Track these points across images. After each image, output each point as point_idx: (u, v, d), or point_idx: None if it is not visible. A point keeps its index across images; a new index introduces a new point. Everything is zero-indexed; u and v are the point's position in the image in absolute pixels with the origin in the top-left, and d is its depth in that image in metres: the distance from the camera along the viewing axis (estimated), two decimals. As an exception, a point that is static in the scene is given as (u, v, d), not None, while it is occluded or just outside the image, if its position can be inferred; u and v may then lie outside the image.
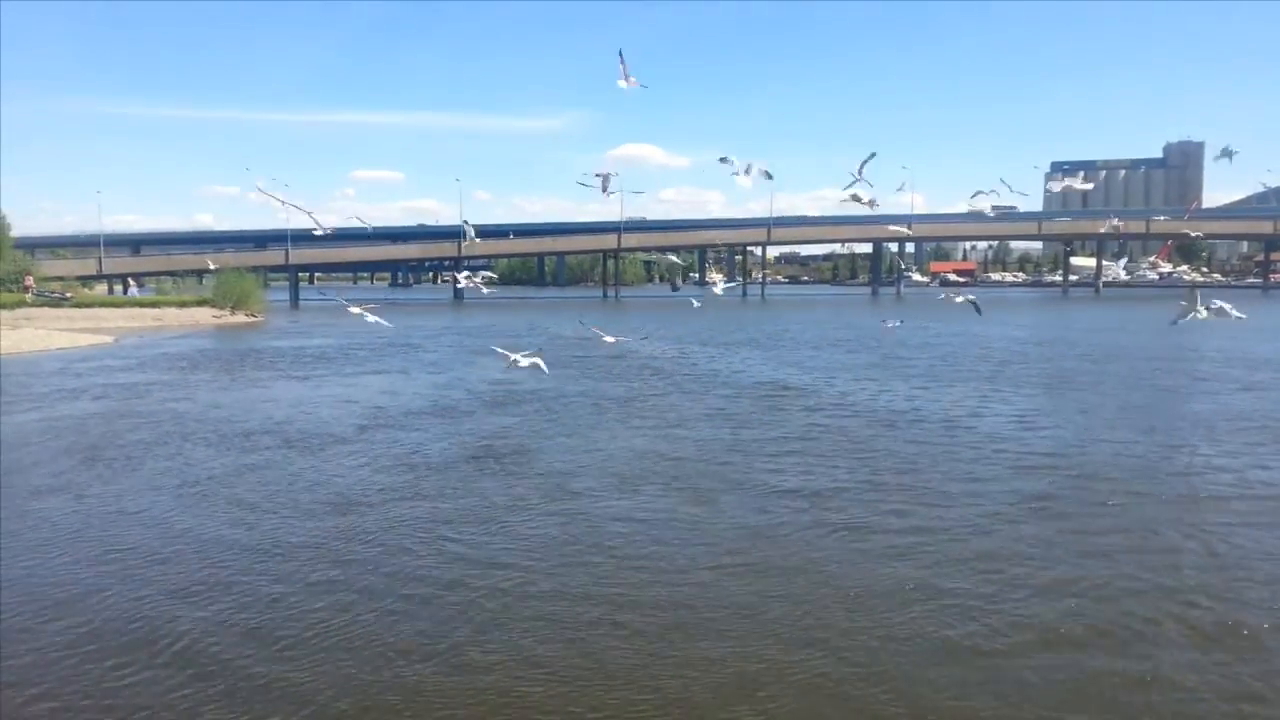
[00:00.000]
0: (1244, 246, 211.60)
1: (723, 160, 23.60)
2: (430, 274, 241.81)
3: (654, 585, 11.82)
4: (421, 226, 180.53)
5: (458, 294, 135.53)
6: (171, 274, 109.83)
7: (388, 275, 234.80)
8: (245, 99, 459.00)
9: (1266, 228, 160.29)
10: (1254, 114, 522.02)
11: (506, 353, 20.44)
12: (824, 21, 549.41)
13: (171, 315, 76.17)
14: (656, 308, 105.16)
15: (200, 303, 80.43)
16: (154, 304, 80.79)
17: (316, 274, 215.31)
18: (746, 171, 23.97)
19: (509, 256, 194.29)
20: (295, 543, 13.67)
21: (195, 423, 24.58)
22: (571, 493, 16.63)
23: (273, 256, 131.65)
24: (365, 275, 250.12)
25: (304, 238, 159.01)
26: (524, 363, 19.72)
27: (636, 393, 30.27)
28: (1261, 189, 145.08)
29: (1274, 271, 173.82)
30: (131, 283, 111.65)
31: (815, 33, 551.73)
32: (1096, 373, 34.93)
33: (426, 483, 17.44)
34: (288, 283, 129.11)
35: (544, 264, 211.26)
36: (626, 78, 21.06)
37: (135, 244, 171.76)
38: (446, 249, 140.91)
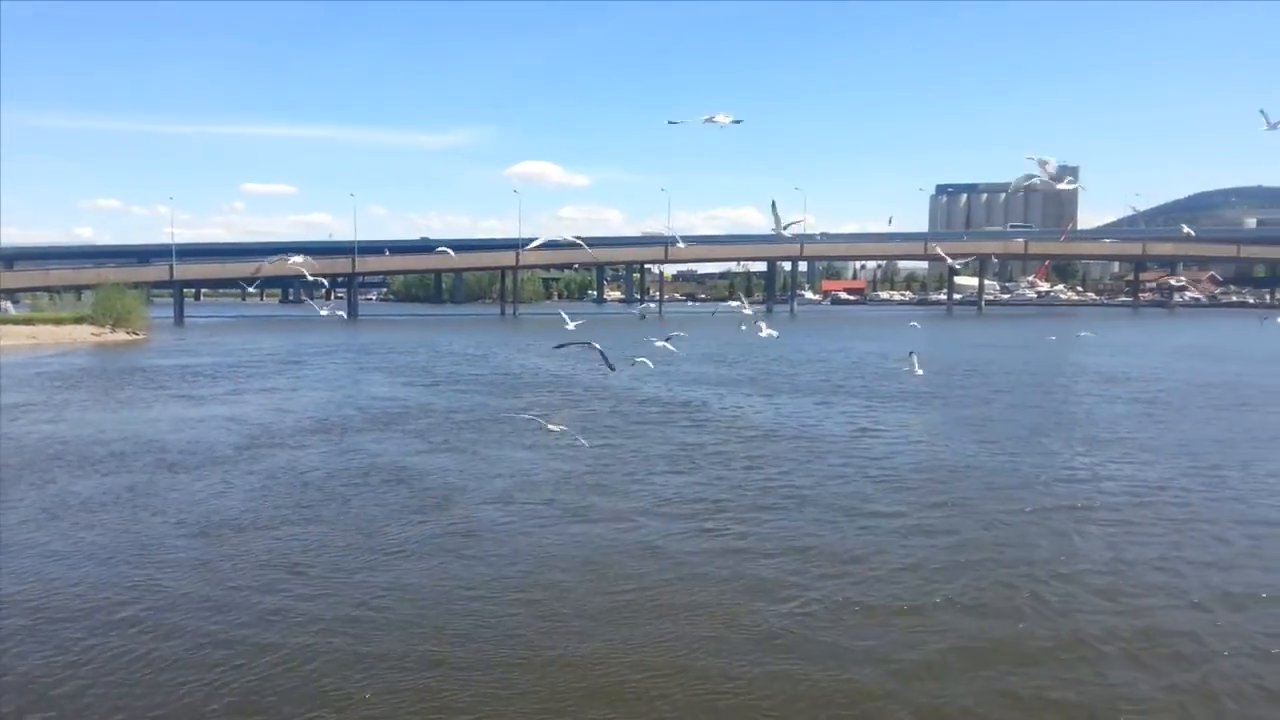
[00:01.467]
0: (1115, 267, 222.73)
1: (671, 122, 23.83)
2: (323, 290, 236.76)
3: (527, 590, 12.26)
4: (328, 241, 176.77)
5: (352, 311, 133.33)
6: (49, 290, 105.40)
7: (278, 291, 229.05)
8: (130, 109, 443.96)
9: (1136, 249, 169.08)
10: (1125, 139, 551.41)
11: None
12: (718, 42, 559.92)
13: (47, 333, 73.13)
14: (557, 325, 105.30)
15: (79, 320, 77.34)
16: (28, 321, 77.44)
17: (203, 290, 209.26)
18: (711, 119, 23.45)
19: (405, 273, 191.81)
20: (149, 571, 13.68)
21: (62, 445, 23.99)
22: (449, 507, 16.95)
23: (156, 272, 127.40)
24: (254, 292, 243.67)
25: (190, 252, 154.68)
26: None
27: (520, 408, 30.57)
28: (1131, 212, 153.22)
29: (1143, 290, 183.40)
30: (5, 300, 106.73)
31: (709, 52, 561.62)
32: (975, 386, 36.68)
33: (298, 503, 17.52)
34: (172, 299, 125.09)
35: (441, 281, 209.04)
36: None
37: (9, 259, 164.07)
38: (340, 265, 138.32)
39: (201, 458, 22.03)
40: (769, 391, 35.54)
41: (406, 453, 22.73)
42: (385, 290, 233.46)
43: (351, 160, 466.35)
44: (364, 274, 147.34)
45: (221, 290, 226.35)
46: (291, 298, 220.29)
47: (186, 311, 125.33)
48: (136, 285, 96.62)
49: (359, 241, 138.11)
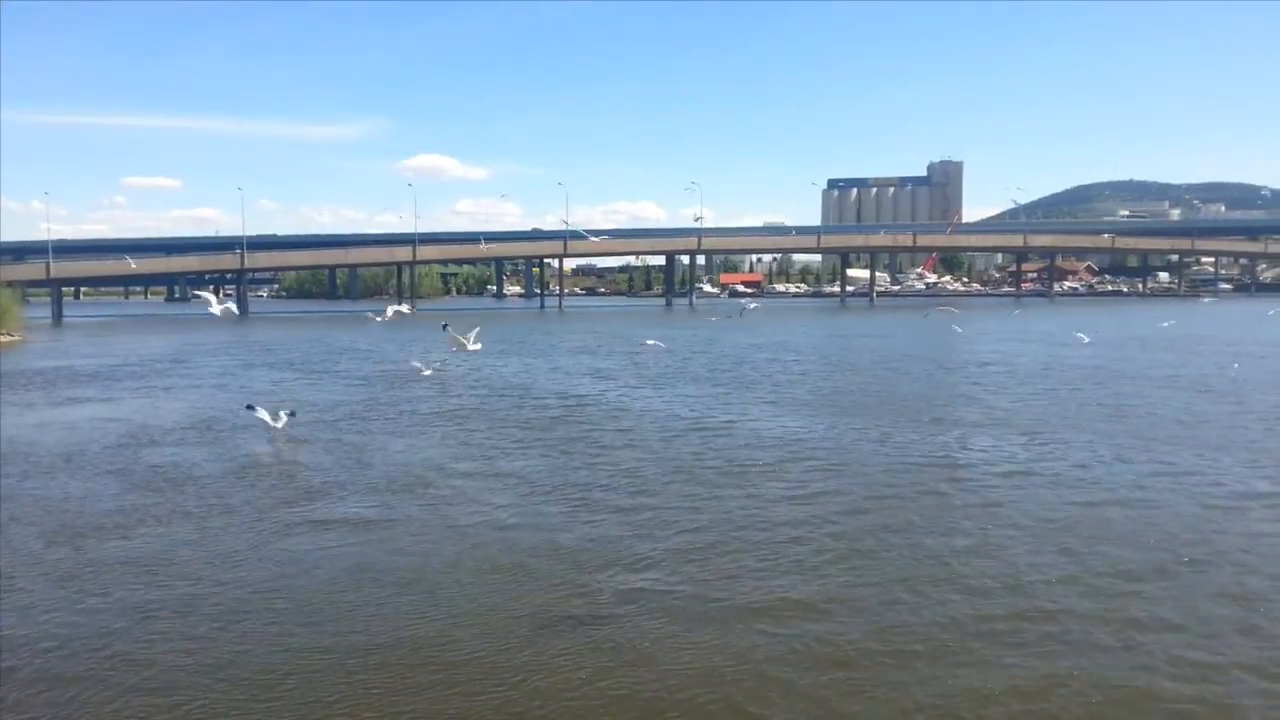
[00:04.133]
0: (999, 258, 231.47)
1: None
2: (210, 287, 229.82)
3: (393, 588, 12.60)
4: (215, 237, 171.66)
5: (242, 308, 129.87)
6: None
7: (164, 289, 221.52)
8: (3, 98, 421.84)
9: (1017, 241, 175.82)
10: (1006, 135, 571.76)
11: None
12: (616, 34, 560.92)
13: (-91, 336, 69.48)
14: (458, 321, 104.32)
15: (-55, 321, 73.62)
16: (-112, 324, 73.38)
17: (83, 289, 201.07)
18: None
19: (297, 269, 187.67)
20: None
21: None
22: (318, 499, 17.08)
23: (32, 270, 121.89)
24: (138, 290, 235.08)
25: (69, 249, 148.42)
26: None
27: (411, 403, 30.61)
28: (1013, 205, 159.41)
29: (1025, 281, 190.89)
30: None
31: (606, 42, 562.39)
32: (871, 375, 38.09)
33: (168, 502, 17.37)
34: (50, 298, 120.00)
35: (335, 276, 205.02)
36: None
37: None
38: (229, 261, 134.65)
39: (72, 461, 21.54)
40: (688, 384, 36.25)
41: (284, 448, 22.63)
42: (277, 287, 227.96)
43: (239, 152, 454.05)
44: (254, 270, 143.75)
45: (103, 289, 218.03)
46: (178, 295, 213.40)
47: (66, 311, 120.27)
48: (10, 284, 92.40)
49: (248, 236, 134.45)
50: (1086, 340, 48.36)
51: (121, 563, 13.72)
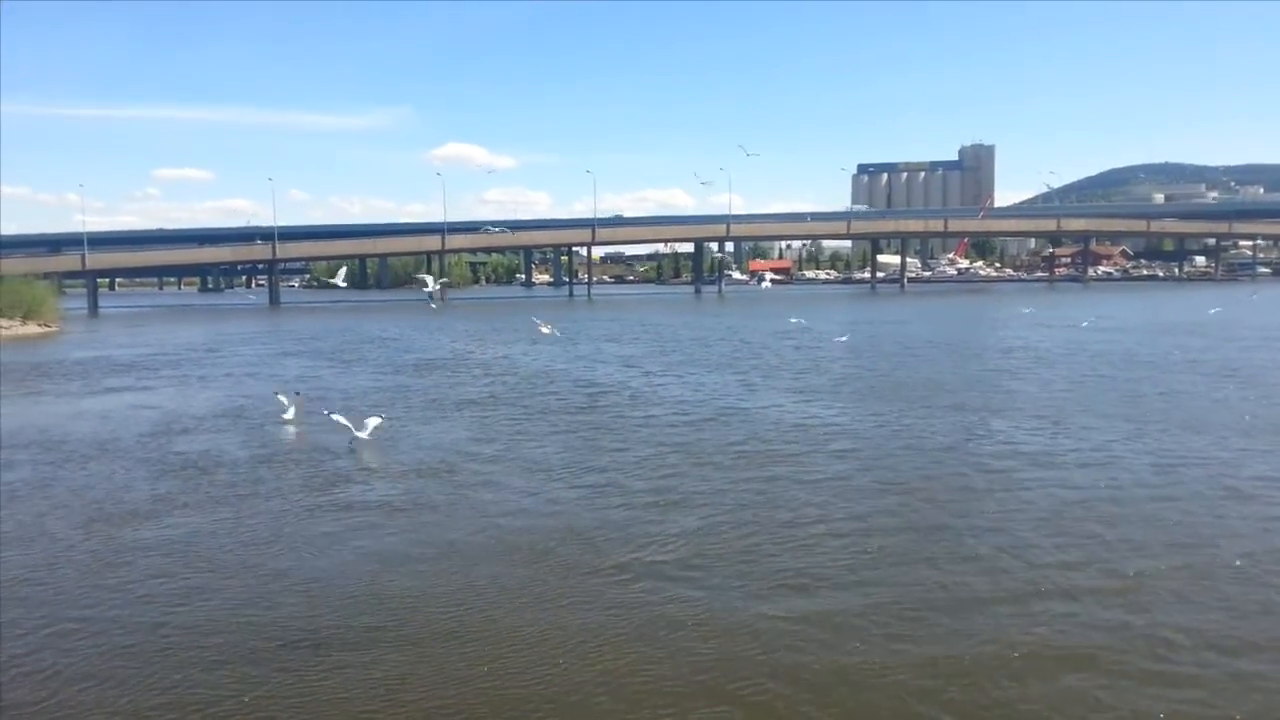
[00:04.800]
0: (1031, 243, 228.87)
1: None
2: (243, 278, 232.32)
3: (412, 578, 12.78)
4: (247, 227, 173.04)
5: (274, 298, 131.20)
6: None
7: (197, 280, 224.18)
8: (33, 92, 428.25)
9: (1051, 225, 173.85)
10: (1038, 118, 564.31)
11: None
12: (645, 21, 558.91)
13: (-50, 328, 70.67)
14: (487, 309, 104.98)
15: (-15, 313, 74.76)
16: (-71, 315, 74.68)
17: (118, 279, 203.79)
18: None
19: (328, 259, 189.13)
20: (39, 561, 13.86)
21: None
22: (352, 489, 17.30)
23: (68, 261, 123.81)
24: (172, 280, 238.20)
25: (103, 240, 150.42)
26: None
27: (439, 389, 30.81)
28: (1046, 189, 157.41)
29: (1059, 266, 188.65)
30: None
31: (635, 28, 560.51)
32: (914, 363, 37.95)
33: (202, 490, 17.67)
34: (85, 289, 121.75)
35: (366, 266, 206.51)
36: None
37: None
38: (260, 251, 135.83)
39: (107, 449, 21.90)
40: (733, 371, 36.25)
41: (314, 436, 22.86)
42: (308, 276, 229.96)
43: (270, 143, 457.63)
44: (285, 260, 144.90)
45: (137, 279, 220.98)
46: (210, 285, 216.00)
47: (101, 302, 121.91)
48: (47, 276, 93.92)
49: (279, 227, 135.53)
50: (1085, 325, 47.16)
51: (150, 549, 13.94)
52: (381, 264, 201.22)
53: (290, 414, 24.23)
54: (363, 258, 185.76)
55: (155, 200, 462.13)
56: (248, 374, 38.24)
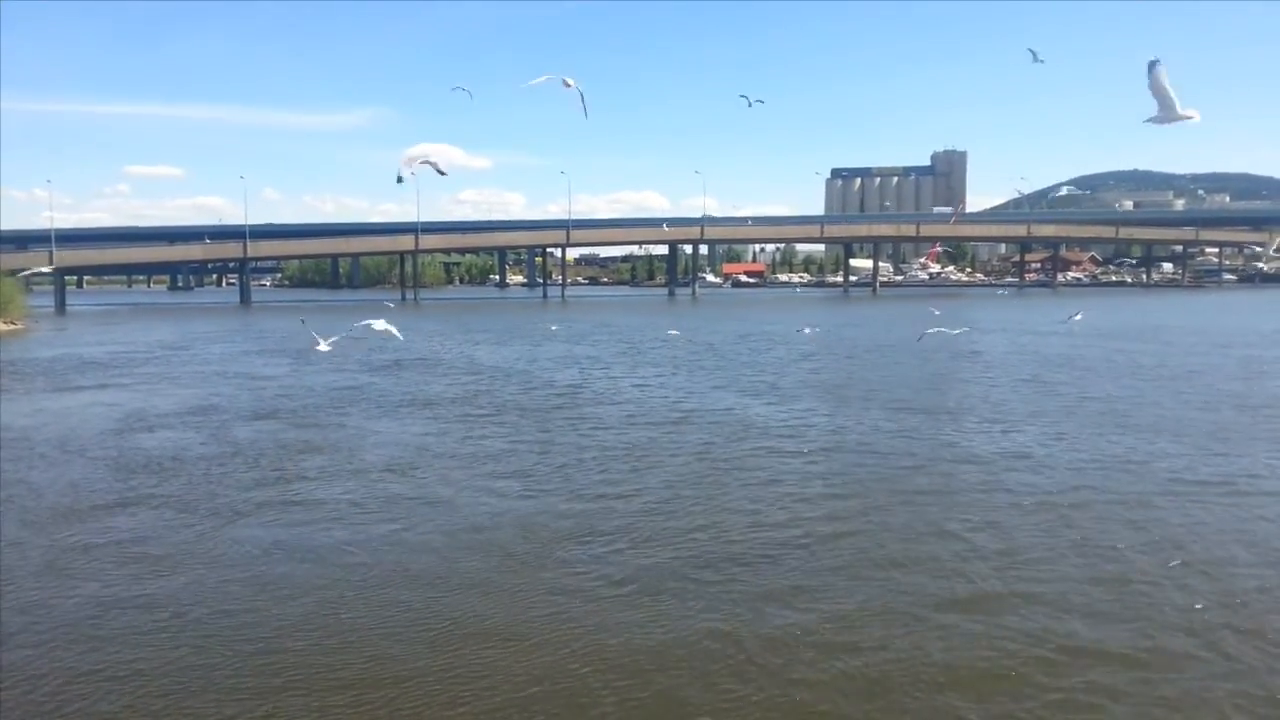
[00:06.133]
0: (1002, 248, 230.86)
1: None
2: (214, 276, 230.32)
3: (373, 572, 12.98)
4: (218, 225, 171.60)
5: (245, 297, 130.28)
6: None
7: (167, 278, 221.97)
8: (5, 88, 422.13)
9: (1021, 231, 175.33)
10: (1009, 125, 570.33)
11: None
12: (620, 22, 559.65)
13: (-89, 325, 69.75)
14: (461, 309, 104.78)
15: (-53, 311, 73.79)
16: (-111, 313, 73.61)
17: (86, 277, 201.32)
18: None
19: (300, 258, 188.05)
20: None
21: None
22: (312, 486, 17.45)
23: (35, 258, 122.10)
24: (141, 278, 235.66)
25: (72, 237, 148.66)
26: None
27: (406, 388, 30.91)
28: (1016, 195, 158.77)
29: (1029, 271, 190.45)
30: None
31: (609, 31, 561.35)
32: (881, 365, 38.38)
33: (156, 487, 17.75)
34: (53, 287, 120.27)
35: (338, 265, 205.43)
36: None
37: None
38: (231, 250, 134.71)
39: (68, 448, 21.88)
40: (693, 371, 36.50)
41: (275, 434, 22.95)
42: (279, 276, 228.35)
43: (242, 141, 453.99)
44: (257, 259, 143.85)
45: (106, 277, 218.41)
46: (181, 284, 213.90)
47: (69, 299, 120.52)
48: (13, 273, 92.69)
49: (251, 225, 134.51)
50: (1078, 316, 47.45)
51: (102, 549, 13.96)
52: (354, 263, 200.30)
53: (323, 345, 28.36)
54: (335, 257, 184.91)
55: (125, 197, 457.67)
56: (216, 372, 38.15)
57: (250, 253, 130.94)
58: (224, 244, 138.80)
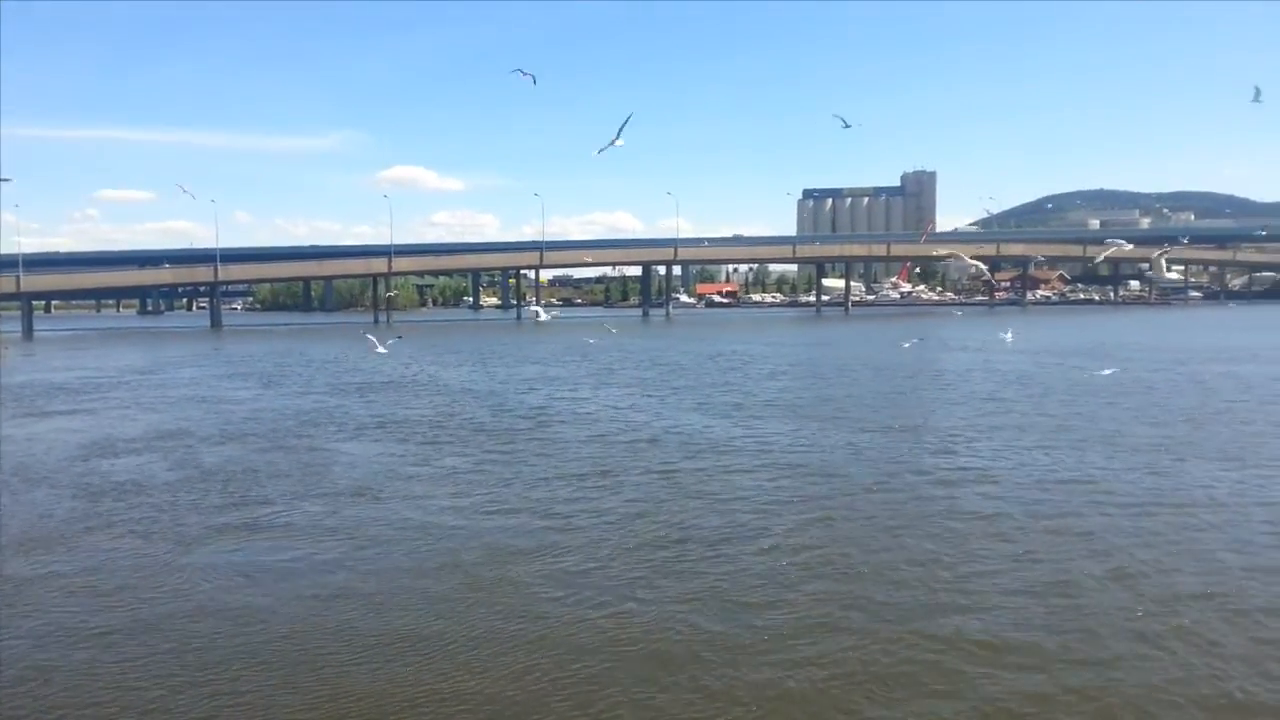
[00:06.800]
0: (972, 267, 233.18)
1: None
2: (184, 300, 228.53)
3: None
4: (188, 250, 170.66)
5: (215, 321, 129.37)
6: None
7: (136, 302, 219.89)
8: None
9: (990, 249, 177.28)
10: (978, 146, 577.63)
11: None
12: (593, 45, 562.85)
13: (-126, 351, 68.81)
14: (439, 331, 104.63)
15: (-87, 336, 72.92)
16: None
17: (54, 301, 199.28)
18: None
19: (272, 281, 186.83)
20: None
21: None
22: (273, 510, 17.55)
23: (2, 283, 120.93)
24: (110, 302, 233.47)
25: (41, 262, 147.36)
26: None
27: (380, 410, 30.99)
28: (985, 214, 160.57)
29: (998, 290, 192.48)
30: None
31: (581, 53, 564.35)
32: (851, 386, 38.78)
33: (120, 513, 17.80)
34: (20, 312, 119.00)
35: (310, 288, 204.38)
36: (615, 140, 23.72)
37: None
38: (202, 273, 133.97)
39: (34, 474, 21.85)
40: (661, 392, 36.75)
41: (242, 458, 23.00)
42: (251, 299, 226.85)
43: (214, 165, 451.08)
44: (228, 282, 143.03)
45: (74, 302, 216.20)
46: (150, 308, 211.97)
47: (36, 324, 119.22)
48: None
49: (222, 249, 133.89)
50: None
51: (61, 580, 13.86)
52: (327, 286, 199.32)
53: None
54: (307, 280, 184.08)
55: (95, 222, 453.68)
56: (185, 397, 38.02)
57: (221, 276, 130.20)
58: (194, 268, 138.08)
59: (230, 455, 23.64)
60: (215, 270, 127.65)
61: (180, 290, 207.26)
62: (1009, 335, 35.87)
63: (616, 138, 24.51)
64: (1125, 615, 11.51)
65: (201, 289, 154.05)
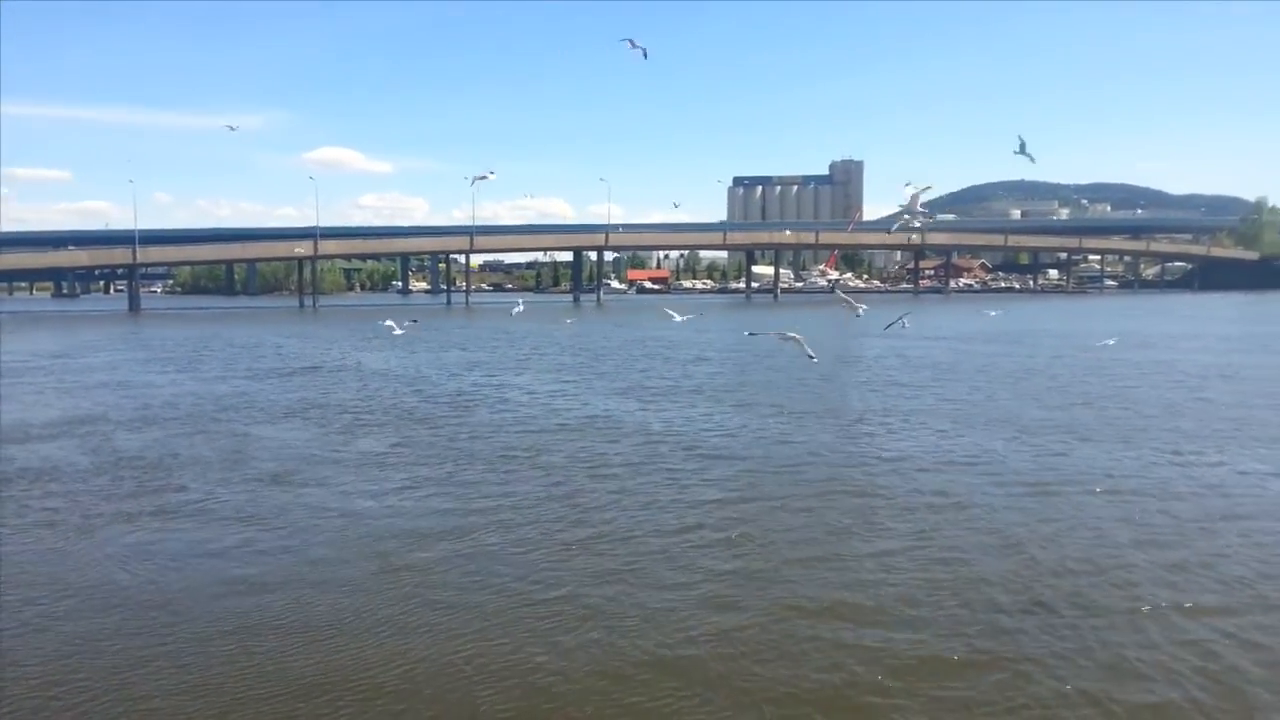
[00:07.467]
0: (898, 256, 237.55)
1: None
2: (101, 282, 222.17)
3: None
4: (105, 231, 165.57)
5: (134, 304, 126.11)
6: None
7: (50, 285, 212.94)
8: None
9: (915, 238, 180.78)
10: (905, 135, 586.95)
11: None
12: (521, 24, 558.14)
13: None
14: (363, 316, 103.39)
15: None
16: None
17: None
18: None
19: (193, 264, 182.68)
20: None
21: None
22: (187, 497, 17.52)
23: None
24: (23, 285, 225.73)
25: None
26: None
27: (302, 394, 30.82)
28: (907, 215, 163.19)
29: (923, 278, 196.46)
30: None
31: (512, 36, 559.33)
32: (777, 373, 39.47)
33: (36, 503, 17.63)
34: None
35: (233, 272, 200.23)
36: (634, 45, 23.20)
37: None
38: (120, 255, 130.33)
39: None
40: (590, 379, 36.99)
41: (160, 443, 22.79)
42: (171, 282, 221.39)
43: (134, 144, 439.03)
44: (147, 265, 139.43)
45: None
46: (66, 291, 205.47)
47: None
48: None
49: (141, 230, 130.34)
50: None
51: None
52: (250, 270, 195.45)
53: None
54: (230, 263, 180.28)
55: (7, 201, 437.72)
56: (101, 382, 37.23)
57: (140, 258, 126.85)
58: (111, 249, 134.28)
59: (147, 441, 23.34)
60: (134, 252, 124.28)
61: (97, 273, 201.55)
62: (906, 322, 36.86)
63: (490, 173, 24.76)
64: (1020, 585, 12.18)
65: (119, 271, 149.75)
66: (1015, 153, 24.68)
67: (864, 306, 27.34)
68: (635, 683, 9.74)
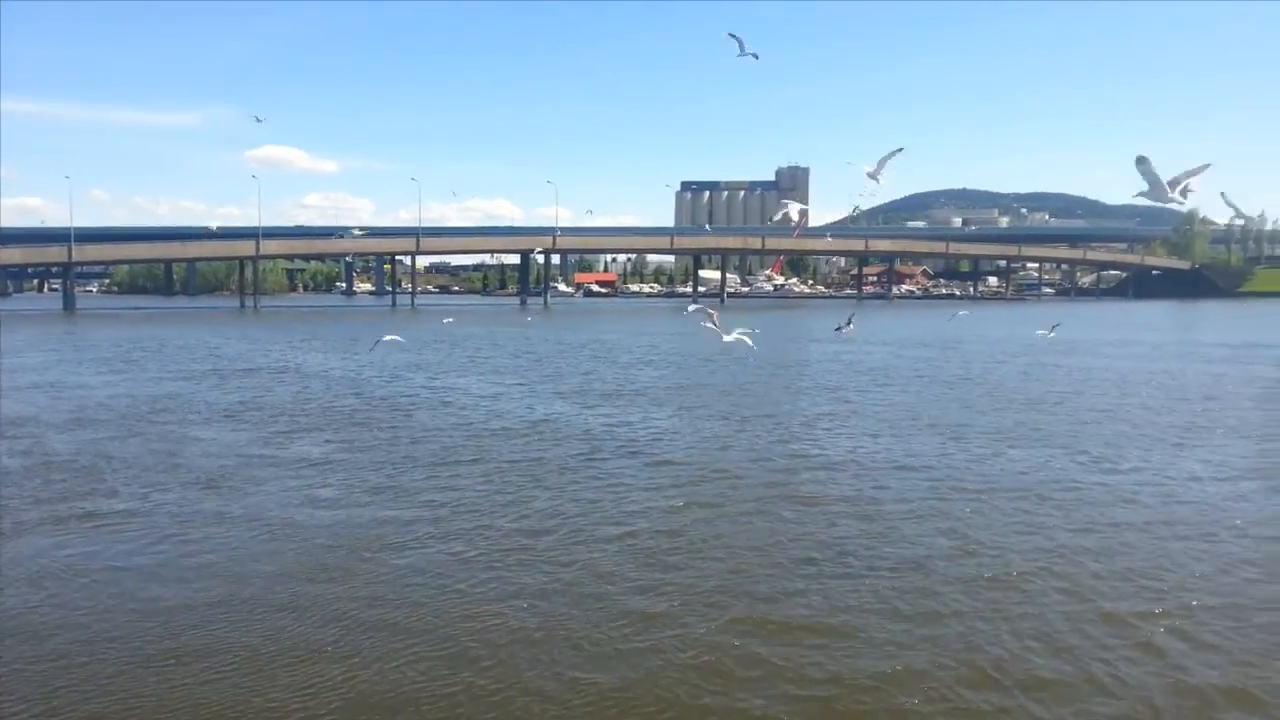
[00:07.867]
0: (842, 261, 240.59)
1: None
2: (35, 281, 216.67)
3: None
4: (39, 228, 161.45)
5: (69, 304, 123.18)
6: None
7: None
8: None
9: (859, 245, 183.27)
10: (850, 142, 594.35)
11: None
12: (470, 25, 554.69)
13: None
14: (304, 317, 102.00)
15: None
16: None
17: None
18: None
19: (131, 263, 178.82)
20: None
21: None
22: (120, 500, 17.20)
23: None
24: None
25: None
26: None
27: (241, 396, 30.38)
28: (855, 211, 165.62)
29: (866, 284, 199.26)
30: None
31: (461, 36, 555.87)
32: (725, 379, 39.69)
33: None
34: None
35: (172, 271, 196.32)
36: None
37: None
38: (54, 254, 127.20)
39: None
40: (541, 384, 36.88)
41: (92, 445, 22.34)
42: (108, 281, 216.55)
43: (70, 139, 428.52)
44: (83, 263, 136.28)
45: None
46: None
47: None
48: None
49: (77, 228, 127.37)
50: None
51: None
52: (190, 269, 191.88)
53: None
54: (169, 262, 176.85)
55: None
56: (32, 383, 36.27)
57: (75, 257, 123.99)
58: (46, 247, 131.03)
59: (79, 443, 22.82)
60: (69, 250, 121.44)
61: (30, 271, 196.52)
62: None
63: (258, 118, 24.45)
64: (966, 587, 12.46)
65: (54, 270, 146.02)
66: (738, 56, 23.69)
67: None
68: (574, 705, 9.72)
